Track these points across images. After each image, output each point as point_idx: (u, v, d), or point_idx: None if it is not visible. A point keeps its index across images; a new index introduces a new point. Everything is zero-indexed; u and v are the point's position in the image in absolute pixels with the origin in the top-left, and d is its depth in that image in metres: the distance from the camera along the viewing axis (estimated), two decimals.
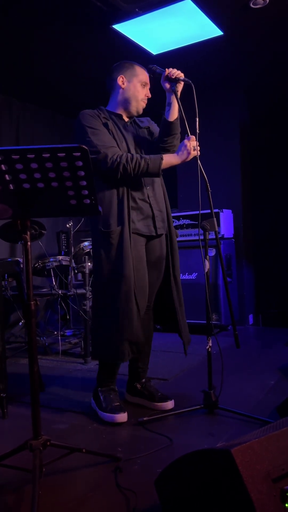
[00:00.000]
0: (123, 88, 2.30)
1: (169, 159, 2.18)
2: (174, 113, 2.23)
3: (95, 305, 2.25)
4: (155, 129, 2.44)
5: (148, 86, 2.35)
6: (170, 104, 2.22)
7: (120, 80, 2.30)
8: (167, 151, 2.27)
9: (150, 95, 2.35)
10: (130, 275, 2.12)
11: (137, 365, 2.40)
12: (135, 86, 2.29)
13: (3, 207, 1.55)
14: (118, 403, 2.21)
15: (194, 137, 2.15)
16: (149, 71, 2.24)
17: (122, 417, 2.14)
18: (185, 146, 2.15)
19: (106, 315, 2.16)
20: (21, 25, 3.35)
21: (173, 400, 2.31)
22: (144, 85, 2.32)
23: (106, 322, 2.16)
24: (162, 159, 2.15)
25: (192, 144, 2.15)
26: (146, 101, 2.34)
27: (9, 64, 3.97)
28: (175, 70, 2.19)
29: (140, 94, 2.31)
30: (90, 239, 3.03)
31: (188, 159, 2.18)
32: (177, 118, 2.25)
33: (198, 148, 2.17)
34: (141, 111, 2.36)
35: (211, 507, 1.11)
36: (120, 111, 2.34)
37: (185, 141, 2.16)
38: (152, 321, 2.42)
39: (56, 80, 4.34)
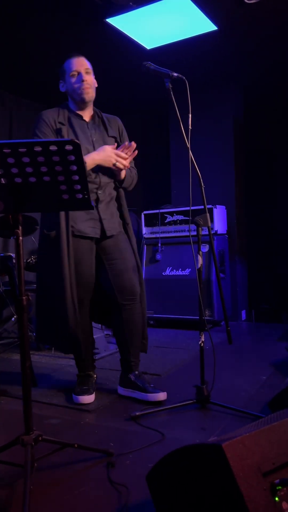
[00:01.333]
0: (65, 91, 2.40)
1: (91, 161, 2.22)
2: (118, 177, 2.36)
3: (37, 300, 2.45)
4: (120, 140, 2.47)
5: (82, 69, 2.31)
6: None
7: (60, 86, 2.41)
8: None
9: (84, 78, 2.30)
10: (66, 275, 2.25)
11: (129, 359, 2.42)
12: (68, 82, 2.35)
13: None
14: (86, 387, 2.41)
15: (123, 154, 2.23)
16: (143, 67, 2.22)
17: (85, 398, 2.34)
18: (111, 156, 2.23)
19: (48, 310, 2.37)
20: (14, 19, 3.31)
21: (165, 392, 2.33)
22: (73, 74, 2.32)
23: (49, 317, 2.37)
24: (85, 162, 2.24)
25: (115, 157, 2.23)
26: (86, 86, 2.30)
27: (1, 58, 3.93)
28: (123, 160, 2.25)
29: (74, 84, 2.32)
30: None
31: (106, 165, 2.26)
32: (125, 180, 2.38)
33: (122, 161, 2.23)
34: (86, 96, 2.32)
35: (202, 501, 1.12)
36: (78, 110, 2.40)
37: (106, 147, 2.23)
38: (140, 314, 2.43)
39: (50, 74, 4.30)
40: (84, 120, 2.39)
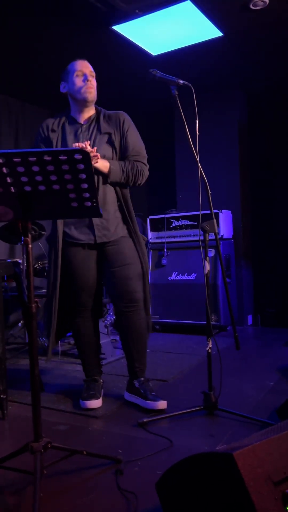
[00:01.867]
0: (66, 92, 2.41)
1: None
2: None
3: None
4: (126, 134, 2.37)
5: (86, 71, 2.33)
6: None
7: (62, 87, 2.42)
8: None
9: (90, 78, 2.32)
10: (55, 279, 2.33)
11: (134, 364, 2.43)
12: (72, 82, 2.36)
13: (4, 210, 1.55)
14: (93, 392, 2.41)
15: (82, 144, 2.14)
16: (149, 75, 2.22)
17: (92, 403, 2.35)
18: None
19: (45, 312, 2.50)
20: (21, 26, 3.35)
21: (165, 401, 2.31)
22: (78, 74, 2.34)
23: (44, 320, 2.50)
24: None
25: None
26: (90, 86, 2.32)
27: (8, 64, 3.96)
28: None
29: (78, 84, 2.33)
30: None
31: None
32: (110, 175, 2.29)
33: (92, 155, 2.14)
34: (89, 97, 2.32)
35: (212, 510, 1.12)
36: (75, 113, 2.42)
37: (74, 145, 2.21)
38: (143, 320, 2.42)
39: (56, 81, 4.33)
40: (79, 123, 2.39)
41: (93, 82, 2.34)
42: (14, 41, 3.57)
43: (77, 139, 2.36)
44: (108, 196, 2.35)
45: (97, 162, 2.21)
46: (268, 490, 1.03)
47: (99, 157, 2.21)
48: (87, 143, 2.14)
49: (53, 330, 2.37)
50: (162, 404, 2.29)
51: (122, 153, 2.37)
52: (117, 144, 2.36)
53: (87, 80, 2.32)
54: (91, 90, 2.33)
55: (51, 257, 2.38)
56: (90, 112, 2.41)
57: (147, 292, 2.45)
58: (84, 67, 2.35)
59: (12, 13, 3.16)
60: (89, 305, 2.44)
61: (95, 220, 2.33)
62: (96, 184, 2.29)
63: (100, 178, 2.32)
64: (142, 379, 2.42)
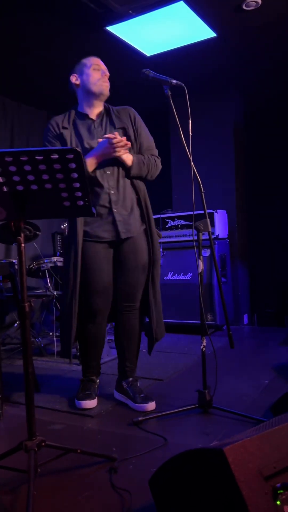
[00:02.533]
0: (78, 84, 2.36)
1: (92, 160, 2.22)
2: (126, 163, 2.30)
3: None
4: (139, 129, 2.38)
5: (103, 67, 2.36)
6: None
7: (73, 79, 2.37)
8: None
9: (108, 74, 2.36)
10: (70, 279, 2.27)
11: (125, 364, 2.43)
12: (87, 74, 2.33)
13: None
14: (89, 392, 2.40)
15: (112, 135, 2.16)
16: (142, 75, 2.24)
17: (87, 403, 2.35)
18: (104, 142, 2.19)
19: (63, 315, 2.37)
20: (14, 26, 3.35)
21: (154, 402, 2.32)
22: (96, 68, 2.34)
23: (62, 322, 2.39)
24: (85, 161, 2.13)
25: (112, 146, 2.17)
26: (106, 80, 2.34)
27: (2, 65, 3.97)
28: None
29: (95, 76, 2.32)
30: None
31: (108, 154, 2.21)
32: (133, 167, 2.31)
33: (118, 149, 2.18)
34: (105, 92, 2.34)
35: (204, 505, 1.13)
36: (86, 109, 2.37)
37: (99, 140, 2.22)
38: (137, 320, 2.42)
39: (51, 81, 4.34)
40: (91, 119, 2.36)
41: (108, 79, 2.37)
42: (8, 42, 3.57)
43: (92, 135, 2.31)
44: (127, 190, 2.33)
45: (126, 152, 2.24)
46: (259, 484, 1.04)
47: (129, 145, 2.24)
48: (116, 134, 2.18)
49: (73, 333, 2.29)
50: (150, 406, 2.30)
51: (137, 148, 2.37)
52: (133, 138, 2.34)
53: (106, 75, 2.35)
54: (107, 84, 2.35)
55: (70, 258, 2.28)
56: (100, 107, 2.39)
57: (157, 292, 2.41)
58: (100, 63, 2.38)
59: (7, 14, 3.17)
60: (103, 311, 2.38)
61: (117, 216, 2.29)
62: (116, 177, 2.30)
63: (120, 171, 2.31)
64: (130, 379, 2.42)
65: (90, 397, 2.38)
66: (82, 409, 2.34)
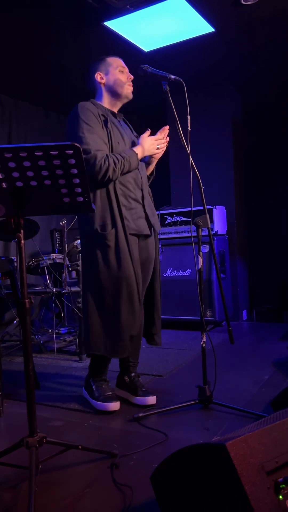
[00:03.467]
0: (104, 83, 2.34)
1: (141, 154, 2.27)
2: (149, 170, 2.49)
3: (88, 304, 2.24)
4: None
5: (127, 70, 2.37)
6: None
7: (98, 77, 2.35)
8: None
9: (132, 76, 2.37)
10: (131, 275, 2.18)
11: (128, 359, 2.43)
12: (114, 75, 2.33)
13: None
14: (110, 393, 2.30)
15: (158, 137, 2.32)
16: (140, 70, 2.23)
17: (115, 405, 2.23)
18: (152, 142, 2.28)
19: (107, 313, 2.19)
20: (12, 23, 3.33)
21: (155, 396, 2.32)
22: (122, 70, 2.34)
23: (108, 320, 2.19)
24: (137, 154, 2.24)
25: (155, 142, 2.29)
26: (131, 84, 2.36)
27: (0, 61, 3.95)
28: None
29: (121, 79, 2.33)
30: None
31: (151, 153, 2.32)
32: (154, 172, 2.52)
33: (164, 146, 2.32)
34: (130, 96, 2.37)
35: (207, 500, 1.13)
36: (110, 106, 2.36)
37: (145, 136, 2.28)
38: (143, 316, 2.43)
39: (48, 78, 4.32)
40: (117, 117, 2.38)
41: None
42: (5, 38, 3.55)
43: (121, 134, 2.31)
44: (149, 189, 2.45)
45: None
46: (261, 479, 1.04)
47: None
48: (167, 126, 2.35)
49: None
50: (152, 400, 2.30)
51: None
52: None
53: (130, 78, 2.36)
54: (132, 88, 2.36)
55: (120, 250, 2.14)
56: (118, 108, 2.42)
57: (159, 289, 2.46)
58: (125, 66, 2.38)
59: (3, 10, 3.15)
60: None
61: (148, 211, 2.34)
62: (144, 176, 2.39)
63: (145, 171, 2.41)
64: (133, 374, 2.42)
65: (114, 399, 2.26)
66: (108, 412, 2.22)
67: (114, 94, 2.34)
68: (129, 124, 2.50)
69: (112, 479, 1.60)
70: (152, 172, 2.50)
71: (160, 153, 2.35)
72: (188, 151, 2.12)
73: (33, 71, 4.17)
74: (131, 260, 2.18)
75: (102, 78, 2.34)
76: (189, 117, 2.11)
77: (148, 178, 2.49)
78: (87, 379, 2.40)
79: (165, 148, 2.34)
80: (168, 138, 2.34)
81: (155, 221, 2.40)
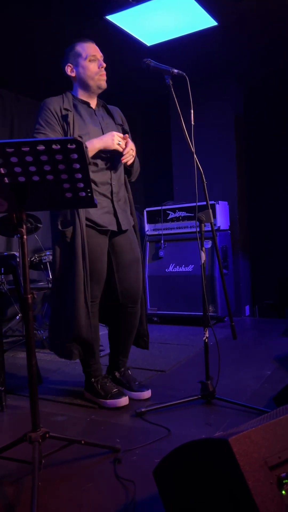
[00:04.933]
0: (74, 76, 2.28)
1: (98, 145, 2.16)
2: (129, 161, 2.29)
3: (52, 301, 2.28)
4: (127, 128, 2.43)
5: (98, 55, 2.26)
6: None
7: (68, 69, 2.28)
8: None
9: (104, 64, 2.27)
10: (80, 274, 2.12)
11: (118, 357, 2.44)
12: (84, 67, 2.23)
13: None
14: (116, 389, 2.30)
15: (122, 135, 2.21)
16: (143, 64, 2.20)
17: (125, 400, 2.25)
18: (113, 136, 2.17)
19: (59, 312, 2.22)
20: (13, 17, 3.31)
21: (150, 390, 2.35)
22: (92, 59, 2.23)
23: (58, 320, 2.22)
24: (86, 147, 2.10)
25: (117, 139, 2.18)
26: (103, 73, 2.27)
27: (1, 55, 3.93)
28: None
29: (93, 70, 2.23)
30: None
31: (109, 148, 2.18)
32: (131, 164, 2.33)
33: (124, 145, 2.20)
34: (103, 85, 2.28)
35: (209, 496, 1.13)
36: (85, 97, 2.30)
37: (114, 133, 2.19)
38: (132, 316, 2.38)
39: (50, 72, 4.30)
40: (91, 107, 2.31)
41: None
42: (6, 32, 3.53)
43: (94, 122, 2.27)
44: (122, 186, 2.36)
45: (132, 159, 2.25)
46: (264, 474, 1.04)
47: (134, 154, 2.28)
48: (127, 136, 2.21)
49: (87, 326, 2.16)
50: (147, 394, 2.33)
51: None
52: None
53: (102, 67, 2.25)
54: (105, 77, 2.27)
55: (75, 245, 2.12)
56: (95, 99, 2.34)
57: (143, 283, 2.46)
58: (96, 51, 2.25)
59: (4, 4, 3.13)
60: (98, 300, 2.29)
61: (117, 207, 2.28)
62: (118, 170, 2.31)
63: (120, 165, 2.32)
64: (122, 369, 2.44)
65: (123, 394, 2.28)
66: (117, 408, 2.23)
67: (86, 86, 2.26)
68: (115, 113, 2.40)
69: (114, 474, 1.60)
70: (132, 165, 2.33)
71: (118, 148, 2.18)
72: (192, 146, 2.11)
73: (34, 66, 4.15)
74: (82, 259, 2.12)
75: (72, 71, 2.27)
76: (192, 111, 2.09)
77: (130, 171, 2.38)
78: (88, 380, 2.36)
79: (131, 155, 2.22)
80: (133, 147, 2.23)
81: (124, 218, 2.30)
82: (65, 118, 2.18)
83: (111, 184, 2.27)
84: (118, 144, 2.17)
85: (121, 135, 2.20)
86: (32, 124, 4.85)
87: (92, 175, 2.15)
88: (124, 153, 2.20)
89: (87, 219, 2.18)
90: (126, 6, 3.19)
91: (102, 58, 2.29)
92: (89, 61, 2.23)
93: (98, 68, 2.24)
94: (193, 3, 3.19)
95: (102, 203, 2.25)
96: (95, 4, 3.16)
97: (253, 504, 0.99)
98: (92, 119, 2.29)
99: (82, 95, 2.31)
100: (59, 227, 2.16)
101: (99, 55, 2.27)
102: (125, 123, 2.46)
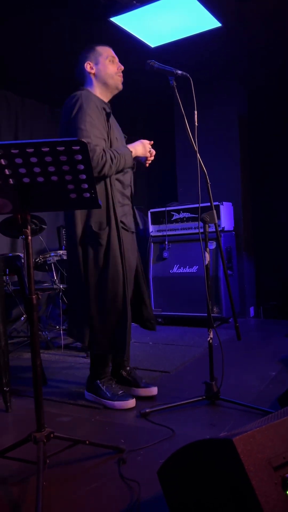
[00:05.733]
0: (94, 73, 2.30)
1: (134, 154, 2.26)
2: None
3: (78, 303, 2.23)
4: None
5: (117, 59, 2.34)
6: None
7: (88, 66, 2.30)
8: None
9: (122, 67, 2.33)
10: (119, 275, 2.17)
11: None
12: (104, 65, 2.28)
13: (3, 202, 1.55)
14: (122, 390, 2.30)
15: (148, 142, 2.33)
16: (147, 66, 2.21)
17: (132, 402, 2.25)
18: (144, 144, 2.29)
19: (107, 313, 2.19)
20: (19, 19, 3.33)
21: (156, 387, 2.37)
22: (112, 60, 2.30)
23: (105, 319, 2.19)
24: (131, 152, 2.24)
25: (148, 147, 2.32)
26: (121, 75, 2.33)
27: (6, 58, 3.95)
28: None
29: (112, 69, 2.29)
30: None
31: (145, 155, 2.33)
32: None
33: (152, 153, 2.35)
34: (120, 86, 2.34)
35: (213, 496, 1.13)
36: (103, 97, 2.31)
37: (145, 141, 2.30)
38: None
39: (54, 74, 4.32)
40: (108, 111, 2.28)
41: None
42: (12, 35, 3.55)
43: (116, 126, 2.33)
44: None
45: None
46: (268, 475, 1.04)
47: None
48: (152, 142, 2.37)
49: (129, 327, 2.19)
50: (155, 390, 2.35)
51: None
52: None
53: (120, 68, 2.32)
54: (122, 79, 2.33)
55: (111, 245, 2.13)
56: (109, 98, 2.37)
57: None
58: (112, 53, 2.34)
59: (10, 7, 3.15)
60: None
61: (135, 209, 2.41)
62: (133, 176, 2.39)
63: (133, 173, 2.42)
64: (128, 368, 2.44)
65: (130, 396, 2.28)
66: (124, 409, 2.23)
67: (105, 84, 2.30)
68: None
69: (119, 474, 1.60)
70: (133, 166, 2.38)
71: (149, 157, 2.35)
72: (196, 147, 2.11)
73: (38, 68, 4.17)
74: (121, 260, 2.16)
75: (92, 68, 2.29)
76: (196, 112, 2.10)
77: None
78: (92, 381, 2.34)
79: (150, 159, 2.38)
80: (153, 152, 2.37)
81: (141, 220, 2.46)
82: (108, 117, 2.23)
83: (130, 186, 2.36)
84: (149, 151, 2.32)
85: (149, 142, 2.32)
86: (36, 126, 4.89)
87: (120, 178, 2.25)
88: (150, 158, 2.34)
89: (121, 221, 2.23)
90: (130, 8, 3.20)
91: (119, 62, 2.37)
92: (109, 61, 2.30)
93: (118, 69, 2.31)
94: (197, 4, 3.20)
95: (128, 205, 2.33)
96: (100, 6, 3.17)
97: (257, 505, 0.99)
98: (113, 120, 2.33)
99: (99, 93, 2.31)
100: (94, 228, 2.15)
101: (117, 58, 2.35)
102: None
